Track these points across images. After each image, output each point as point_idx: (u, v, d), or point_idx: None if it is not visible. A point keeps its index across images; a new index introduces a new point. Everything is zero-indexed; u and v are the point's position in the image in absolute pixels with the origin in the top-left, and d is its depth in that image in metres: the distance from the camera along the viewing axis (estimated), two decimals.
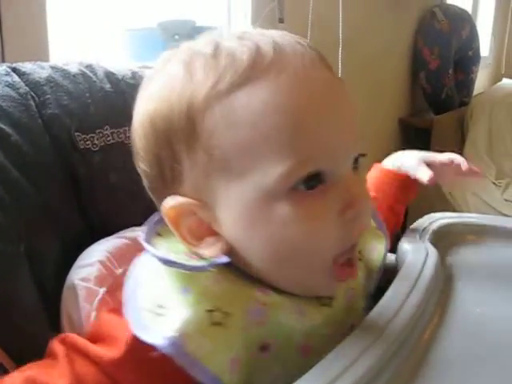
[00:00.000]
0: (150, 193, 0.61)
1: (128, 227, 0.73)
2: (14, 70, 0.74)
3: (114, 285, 0.65)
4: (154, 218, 0.59)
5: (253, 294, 0.55)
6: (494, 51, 4.37)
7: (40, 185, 0.68)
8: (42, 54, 1.10)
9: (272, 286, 0.56)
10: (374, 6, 2.50)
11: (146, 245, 0.54)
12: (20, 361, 0.56)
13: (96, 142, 0.75)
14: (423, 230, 0.81)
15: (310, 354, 0.56)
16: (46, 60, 1.09)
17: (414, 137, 3.05)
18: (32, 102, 0.71)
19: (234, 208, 0.54)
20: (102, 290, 0.64)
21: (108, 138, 0.76)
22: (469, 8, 3.67)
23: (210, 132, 0.53)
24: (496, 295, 0.71)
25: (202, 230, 0.56)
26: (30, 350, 0.57)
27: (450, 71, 3.06)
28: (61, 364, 0.53)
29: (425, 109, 3.16)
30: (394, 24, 2.73)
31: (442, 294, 0.66)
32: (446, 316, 0.63)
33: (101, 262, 0.66)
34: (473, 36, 3.30)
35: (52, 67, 0.78)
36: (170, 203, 0.55)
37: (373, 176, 0.86)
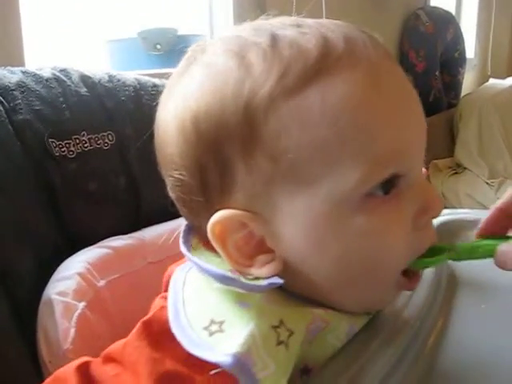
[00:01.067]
0: (180, 206, 0.53)
1: (109, 237, 0.69)
2: None
3: (95, 298, 0.60)
4: (184, 228, 0.53)
5: (313, 309, 0.48)
6: (479, 53, 4.37)
7: (11, 196, 0.64)
8: (17, 60, 1.07)
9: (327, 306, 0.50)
10: (358, 9, 2.48)
11: (194, 259, 0.48)
12: None
13: (72, 148, 0.71)
14: None
15: None
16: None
17: None
18: (1, 107, 0.67)
19: (299, 221, 0.47)
20: (81, 305, 0.59)
21: (85, 145, 0.72)
22: (452, 10, 3.67)
23: (275, 135, 0.45)
24: (499, 289, 0.68)
25: (251, 247, 0.48)
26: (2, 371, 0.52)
27: (437, 73, 3.05)
28: None
29: None
30: (378, 27, 2.65)
31: (446, 292, 0.63)
32: (451, 316, 0.60)
33: (80, 274, 0.61)
34: (458, 37, 3.29)
35: (23, 72, 0.75)
36: (216, 217, 0.47)
37: None
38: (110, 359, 0.49)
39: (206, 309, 0.46)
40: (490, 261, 0.72)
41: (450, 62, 3.26)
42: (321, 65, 0.45)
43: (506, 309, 0.63)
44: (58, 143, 0.70)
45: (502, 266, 0.50)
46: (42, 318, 0.60)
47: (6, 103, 0.68)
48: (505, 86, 3.38)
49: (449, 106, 3.21)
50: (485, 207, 2.53)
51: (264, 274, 0.47)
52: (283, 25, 0.49)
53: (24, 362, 0.53)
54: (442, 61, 3.13)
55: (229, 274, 0.46)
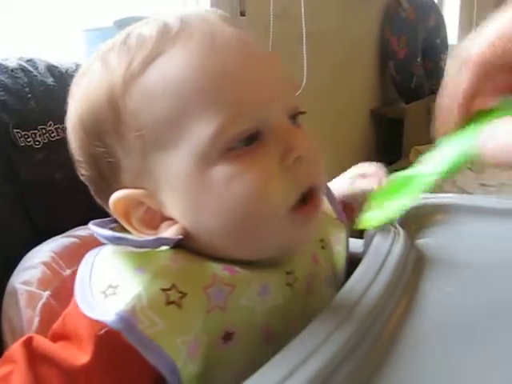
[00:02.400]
0: (97, 198, 0.60)
1: (77, 226, 0.68)
2: None
3: (60, 287, 0.60)
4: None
5: (217, 272, 0.52)
6: (462, 39, 4.38)
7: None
8: None
9: (236, 261, 0.54)
10: None
11: (92, 226, 0.54)
12: None
13: (38, 138, 0.70)
14: None
15: (273, 340, 0.53)
16: None
17: (387, 127, 3.04)
18: None
19: (175, 185, 0.53)
20: (45, 294, 0.59)
21: (52, 134, 0.72)
22: None
23: (134, 114, 0.53)
24: (467, 273, 0.68)
25: (156, 218, 0.55)
26: None
27: (419, 59, 3.06)
28: (20, 370, 0.47)
29: (395, 99, 3.15)
30: (359, 14, 2.71)
31: (411, 274, 0.63)
32: (416, 295, 0.61)
33: (44, 264, 0.61)
34: (440, 24, 3.30)
35: None
36: (115, 198, 0.55)
37: None
38: (53, 335, 0.51)
39: (107, 276, 0.50)
40: (458, 237, 0.73)
41: (432, 49, 3.27)
42: (159, 46, 0.53)
43: (472, 292, 0.63)
44: (23, 133, 0.69)
45: None
46: (7, 308, 0.59)
47: None
48: None
49: (431, 92, 3.22)
50: (466, 192, 2.55)
51: (169, 236, 0.54)
52: (143, 22, 0.57)
53: None
54: (423, 47, 3.14)
55: (116, 234, 0.53)
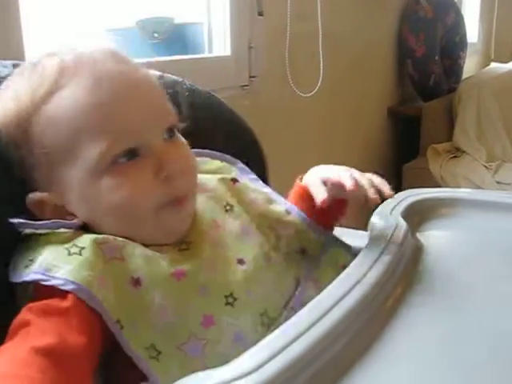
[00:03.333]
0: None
1: None
2: None
3: None
4: None
5: (109, 237, 0.66)
6: (482, 37, 4.37)
7: None
8: (16, 53, 1.10)
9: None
10: None
11: (11, 220, 0.65)
12: None
13: None
14: (396, 205, 0.81)
15: (184, 277, 0.65)
16: (22, 60, 1.09)
17: (404, 125, 3.05)
18: None
19: (74, 190, 0.67)
20: None
21: None
22: None
23: (38, 136, 0.66)
24: (465, 266, 0.71)
25: (62, 212, 0.69)
26: None
27: (437, 57, 3.06)
28: (38, 324, 0.57)
29: (413, 97, 3.15)
30: (377, 12, 2.73)
31: (409, 264, 0.67)
32: (411, 285, 0.64)
33: None
34: (458, 21, 3.29)
35: (14, 65, 0.78)
36: (29, 200, 0.69)
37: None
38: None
39: (25, 256, 0.64)
40: (460, 231, 0.77)
41: (451, 47, 3.27)
42: (56, 84, 0.66)
43: (466, 282, 0.67)
44: None
45: None
46: None
47: None
48: (505, 69, 3.39)
49: (449, 90, 3.22)
50: (482, 190, 2.56)
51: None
52: (47, 54, 0.70)
53: None
54: (442, 45, 3.14)
55: (21, 220, 0.66)
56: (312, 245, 0.79)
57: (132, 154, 0.66)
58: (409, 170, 2.84)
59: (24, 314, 0.59)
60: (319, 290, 0.61)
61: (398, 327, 0.56)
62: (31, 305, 0.59)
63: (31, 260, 0.63)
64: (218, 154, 0.86)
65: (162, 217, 0.68)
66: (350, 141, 2.58)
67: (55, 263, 0.61)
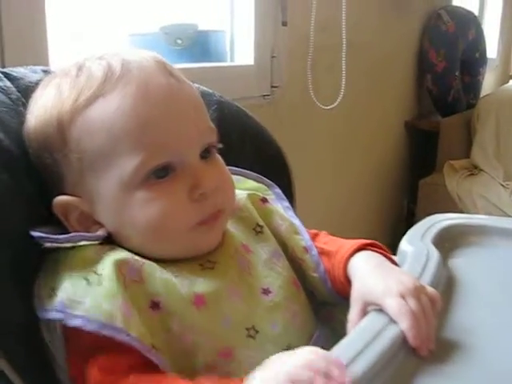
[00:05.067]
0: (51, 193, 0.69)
1: None
2: (6, 74, 0.74)
3: None
4: None
5: (130, 256, 0.63)
6: (501, 53, 4.35)
7: (28, 190, 0.68)
8: (41, 59, 1.09)
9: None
10: (379, 7, 2.48)
11: (32, 233, 0.63)
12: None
13: None
14: (425, 231, 0.79)
15: (204, 306, 0.63)
16: (47, 65, 1.08)
17: (421, 140, 3.03)
18: (22, 109, 0.71)
19: (104, 200, 0.66)
20: None
21: None
22: (475, 10, 3.65)
23: (76, 140, 0.65)
24: (499, 296, 0.69)
25: (88, 221, 0.67)
26: None
27: (457, 73, 3.04)
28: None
29: (431, 111, 3.13)
30: (399, 26, 2.71)
31: (443, 295, 0.65)
32: (446, 317, 0.62)
33: None
34: (479, 38, 3.28)
35: (44, 71, 0.78)
36: (56, 201, 0.66)
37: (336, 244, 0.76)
38: None
39: (48, 281, 0.61)
40: (491, 260, 0.74)
41: (471, 63, 3.25)
42: (102, 89, 0.64)
43: (506, 309, 0.66)
44: None
45: None
46: None
47: (27, 104, 0.71)
48: None
49: (468, 106, 3.20)
50: (499, 209, 2.54)
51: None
52: (94, 57, 0.68)
53: None
54: (462, 61, 3.12)
55: (42, 234, 0.63)
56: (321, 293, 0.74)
57: (167, 169, 0.65)
58: (425, 185, 2.81)
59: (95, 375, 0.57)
60: (336, 328, 0.60)
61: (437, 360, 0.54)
62: (100, 364, 0.57)
63: (52, 289, 0.60)
64: (254, 174, 0.83)
65: (192, 236, 0.66)
66: (367, 154, 2.56)
67: (75, 298, 0.58)
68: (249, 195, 0.78)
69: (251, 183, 0.83)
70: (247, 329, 0.64)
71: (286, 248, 0.75)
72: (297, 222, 0.79)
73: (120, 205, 0.65)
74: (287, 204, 0.82)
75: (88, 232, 0.66)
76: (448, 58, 2.95)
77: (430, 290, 0.61)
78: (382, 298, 0.59)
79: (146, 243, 0.66)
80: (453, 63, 3.00)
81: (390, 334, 0.53)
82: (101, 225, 0.67)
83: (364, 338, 0.52)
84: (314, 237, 0.78)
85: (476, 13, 3.53)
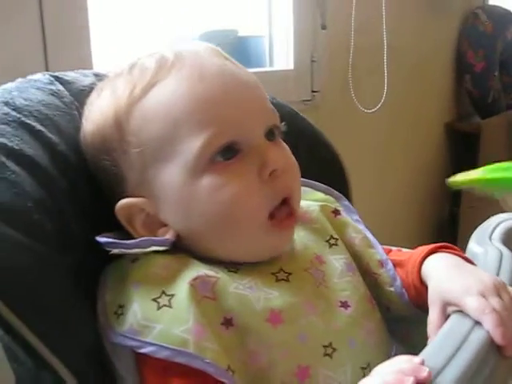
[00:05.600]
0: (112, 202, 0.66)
1: None
2: (57, 78, 0.73)
3: None
4: None
5: (201, 270, 0.60)
6: None
7: (85, 197, 0.67)
8: (85, 64, 1.09)
9: (223, 261, 0.63)
10: (416, 10, 2.44)
11: (98, 239, 0.60)
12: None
13: None
14: (492, 231, 0.76)
15: (281, 324, 0.59)
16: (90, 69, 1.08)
17: (461, 142, 2.97)
18: (76, 112, 0.70)
19: (169, 193, 0.63)
20: None
21: None
22: None
23: (135, 133, 0.63)
24: None
25: (155, 223, 0.64)
26: None
27: (496, 73, 2.98)
28: None
29: (470, 113, 3.08)
30: (436, 27, 2.67)
31: None
32: None
33: None
34: None
35: (95, 74, 0.77)
36: (119, 205, 0.64)
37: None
38: None
39: (115, 297, 0.59)
40: None
41: (510, 63, 3.19)
42: (157, 76, 0.63)
43: None
44: None
45: None
46: None
47: (80, 108, 0.70)
48: None
49: (508, 107, 3.13)
50: None
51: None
52: (146, 55, 0.67)
53: None
54: (501, 61, 3.06)
55: (109, 239, 0.60)
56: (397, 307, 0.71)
57: (233, 150, 0.62)
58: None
59: None
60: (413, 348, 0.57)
61: None
62: None
63: (120, 307, 0.58)
64: (323, 186, 0.80)
65: (265, 231, 0.63)
66: (408, 157, 2.51)
67: (145, 323, 0.55)
68: (321, 206, 0.75)
69: (319, 195, 0.79)
70: (324, 346, 0.60)
71: (360, 262, 0.72)
72: (370, 235, 0.76)
73: (186, 195, 0.62)
74: (357, 217, 0.79)
75: (153, 236, 0.63)
76: (486, 59, 2.89)
77: (511, 288, 0.58)
78: (462, 297, 0.57)
79: (217, 240, 0.63)
80: (491, 63, 2.94)
81: (478, 336, 0.50)
82: (167, 227, 0.64)
83: (451, 343, 0.48)
84: (387, 252, 0.75)
85: None
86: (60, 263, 0.59)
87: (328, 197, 0.80)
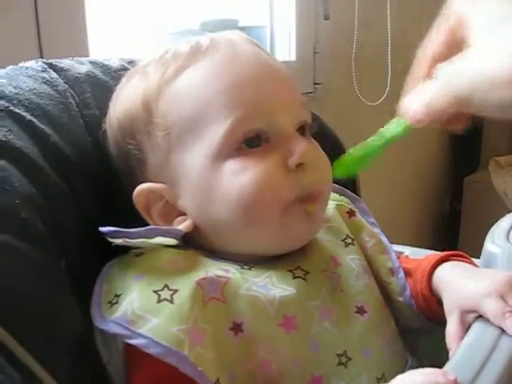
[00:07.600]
0: (126, 185, 0.66)
1: None
2: (51, 65, 0.69)
3: None
4: None
5: (211, 270, 0.56)
6: None
7: (80, 193, 0.62)
8: (81, 52, 1.05)
9: (237, 258, 0.60)
10: (421, 2, 2.41)
11: (101, 229, 0.56)
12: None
13: None
14: (509, 230, 0.73)
15: (295, 330, 0.55)
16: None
17: (464, 135, 2.93)
18: (72, 101, 0.66)
19: (191, 178, 0.60)
20: None
21: None
22: None
23: (163, 115, 0.61)
24: None
25: (172, 212, 0.62)
26: None
27: None
28: None
29: None
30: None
31: None
32: None
33: None
34: None
35: (91, 62, 0.73)
36: (138, 190, 0.62)
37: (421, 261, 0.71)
38: None
39: (113, 286, 0.55)
40: None
41: None
42: (190, 59, 0.62)
43: None
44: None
45: None
46: None
47: (76, 96, 0.67)
48: None
49: None
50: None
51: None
52: (183, 41, 0.66)
53: None
54: None
55: (113, 228, 0.56)
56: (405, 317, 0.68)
57: (260, 138, 0.60)
58: (470, 183, 2.73)
59: None
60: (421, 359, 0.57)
61: None
62: None
63: (117, 296, 0.54)
64: (337, 186, 0.76)
65: (288, 215, 0.59)
66: (409, 150, 2.48)
67: (141, 313, 0.51)
68: (337, 206, 0.72)
69: (334, 196, 0.75)
70: (338, 355, 0.56)
71: (370, 268, 0.68)
72: (385, 239, 0.72)
73: (208, 179, 0.59)
74: (372, 220, 0.76)
75: (170, 225, 0.61)
76: None
77: None
78: (479, 300, 0.54)
79: (237, 229, 0.60)
80: None
81: (506, 346, 0.47)
82: (185, 216, 0.62)
83: (478, 354, 0.45)
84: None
85: None
86: (52, 267, 0.54)
87: (343, 198, 0.76)
